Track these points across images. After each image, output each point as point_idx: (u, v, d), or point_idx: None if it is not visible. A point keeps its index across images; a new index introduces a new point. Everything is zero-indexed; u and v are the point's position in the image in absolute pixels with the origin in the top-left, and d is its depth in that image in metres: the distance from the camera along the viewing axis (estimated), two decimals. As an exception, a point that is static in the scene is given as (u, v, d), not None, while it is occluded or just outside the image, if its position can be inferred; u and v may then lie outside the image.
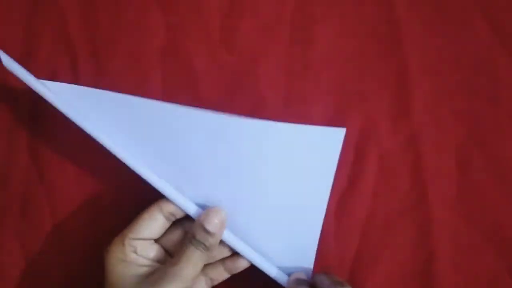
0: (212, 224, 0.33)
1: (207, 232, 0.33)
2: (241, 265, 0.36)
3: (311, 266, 0.36)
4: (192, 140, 0.34)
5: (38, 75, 0.39)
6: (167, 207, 0.34)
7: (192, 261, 0.33)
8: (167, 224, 0.35)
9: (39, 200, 0.38)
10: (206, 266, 0.35)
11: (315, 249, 0.35)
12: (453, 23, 0.40)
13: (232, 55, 0.40)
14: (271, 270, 0.35)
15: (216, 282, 0.36)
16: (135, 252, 0.34)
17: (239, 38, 0.40)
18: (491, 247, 0.38)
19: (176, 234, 0.35)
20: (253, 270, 0.36)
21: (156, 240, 0.35)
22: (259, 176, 0.34)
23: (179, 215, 0.35)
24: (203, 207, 0.35)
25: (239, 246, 0.35)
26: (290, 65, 0.40)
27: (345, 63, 0.40)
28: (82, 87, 0.34)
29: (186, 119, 0.34)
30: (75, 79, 0.39)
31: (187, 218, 0.35)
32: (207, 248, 0.33)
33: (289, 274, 0.35)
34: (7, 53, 0.34)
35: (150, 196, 0.37)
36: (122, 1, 0.40)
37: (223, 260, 0.36)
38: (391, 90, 0.39)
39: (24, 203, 0.38)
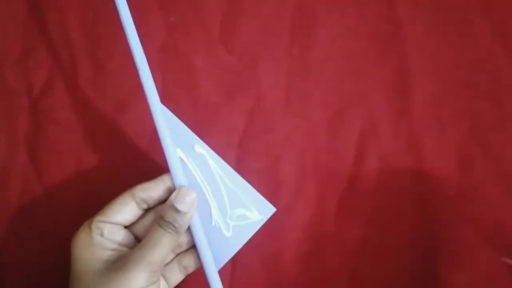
0: (183, 203, 0.32)
1: (177, 211, 0.32)
2: None
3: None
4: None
5: (38, 75, 0.39)
6: (139, 193, 0.33)
7: (160, 244, 0.31)
8: (138, 212, 0.33)
9: (37, 200, 0.38)
10: (179, 254, 0.34)
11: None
12: (453, 23, 0.40)
13: (232, 55, 0.40)
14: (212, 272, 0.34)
15: (190, 270, 0.34)
16: (101, 235, 0.32)
17: (239, 38, 0.40)
18: (491, 247, 0.38)
19: (148, 221, 0.34)
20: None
21: (127, 227, 0.33)
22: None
23: (151, 202, 0.33)
24: None
25: (198, 236, 0.34)
26: (290, 65, 0.40)
27: (345, 63, 0.40)
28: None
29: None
30: (74, 79, 0.39)
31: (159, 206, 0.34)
32: (176, 230, 0.32)
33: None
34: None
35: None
36: (122, 1, 0.40)
37: (195, 247, 0.34)
38: (391, 90, 0.39)
39: (23, 202, 0.38)
